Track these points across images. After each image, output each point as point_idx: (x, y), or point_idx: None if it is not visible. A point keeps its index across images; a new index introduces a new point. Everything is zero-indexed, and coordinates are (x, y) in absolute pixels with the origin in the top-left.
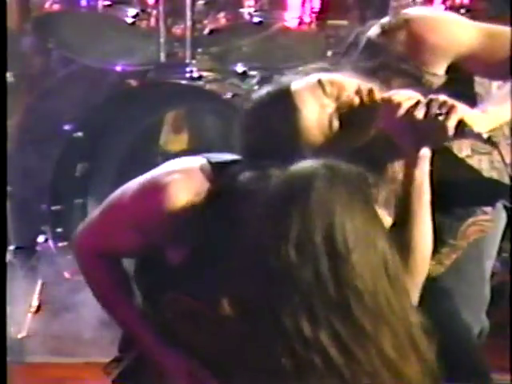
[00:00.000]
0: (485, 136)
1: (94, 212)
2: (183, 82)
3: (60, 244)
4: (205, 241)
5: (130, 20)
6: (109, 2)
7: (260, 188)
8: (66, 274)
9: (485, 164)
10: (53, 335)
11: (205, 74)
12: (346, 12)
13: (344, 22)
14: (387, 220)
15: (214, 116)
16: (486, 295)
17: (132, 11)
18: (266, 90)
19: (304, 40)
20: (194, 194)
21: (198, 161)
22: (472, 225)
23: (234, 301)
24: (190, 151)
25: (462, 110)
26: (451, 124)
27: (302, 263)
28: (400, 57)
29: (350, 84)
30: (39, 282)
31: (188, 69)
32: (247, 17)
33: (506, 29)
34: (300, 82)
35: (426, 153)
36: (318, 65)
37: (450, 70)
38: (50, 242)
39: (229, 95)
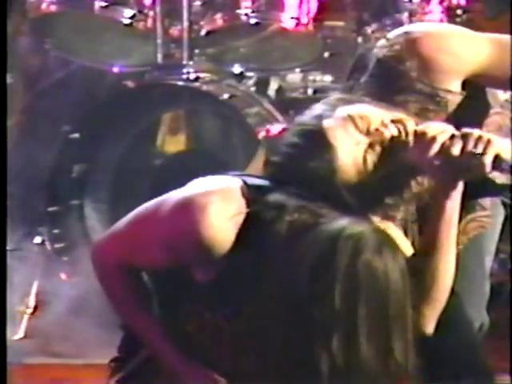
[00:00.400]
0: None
1: (120, 222)
2: (180, 83)
3: (56, 245)
4: (234, 264)
5: (126, 21)
6: (105, 3)
7: (306, 228)
8: (63, 276)
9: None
10: (50, 336)
11: (202, 75)
12: (343, 13)
13: (341, 23)
14: (404, 241)
15: (211, 117)
16: (486, 291)
17: (129, 12)
18: (295, 131)
19: (301, 41)
20: (231, 217)
21: (236, 182)
22: (471, 221)
23: (256, 322)
24: (188, 152)
25: (498, 144)
26: (488, 160)
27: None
28: (412, 77)
29: (378, 116)
30: (35, 284)
31: (185, 70)
32: (244, 18)
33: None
34: (331, 120)
35: (459, 186)
36: (340, 95)
37: (463, 85)
38: (47, 244)
39: (226, 96)
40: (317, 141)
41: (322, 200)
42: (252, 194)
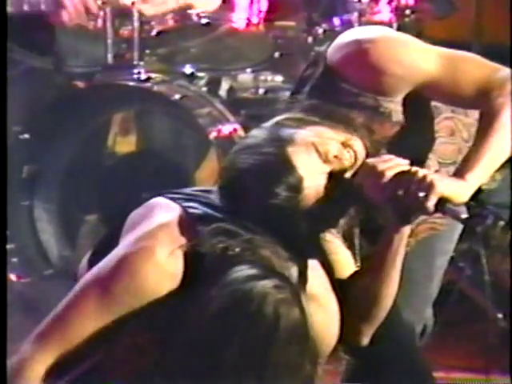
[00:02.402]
0: (463, 217)
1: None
2: (131, 83)
3: (7, 246)
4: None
5: None
6: None
7: (229, 267)
8: (13, 277)
9: None
10: None
11: (153, 75)
12: (294, 13)
13: (291, 23)
14: (343, 251)
15: (162, 117)
16: (431, 293)
17: None
18: (254, 150)
19: (252, 41)
20: (172, 253)
21: (176, 212)
22: (423, 223)
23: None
24: (139, 153)
25: (441, 187)
26: (430, 204)
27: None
28: (358, 88)
29: (335, 142)
30: None
31: (136, 70)
32: (195, 18)
33: (469, 55)
34: (295, 147)
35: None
36: (294, 115)
37: (407, 96)
38: None
39: (177, 96)
40: (282, 167)
41: (269, 232)
42: (193, 225)
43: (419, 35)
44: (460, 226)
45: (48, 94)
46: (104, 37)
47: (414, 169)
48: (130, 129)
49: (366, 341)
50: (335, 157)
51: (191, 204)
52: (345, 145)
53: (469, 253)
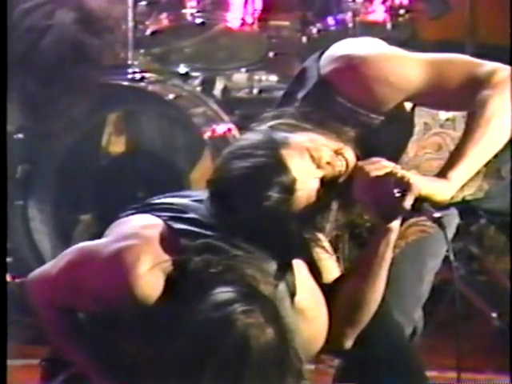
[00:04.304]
0: (436, 216)
1: (53, 264)
2: (125, 83)
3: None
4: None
5: None
6: None
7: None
8: (8, 277)
9: None
10: None
11: (147, 75)
12: (288, 13)
13: (286, 23)
14: (330, 256)
15: (156, 117)
16: (420, 295)
17: None
18: (246, 153)
19: (246, 41)
20: (159, 266)
21: (163, 228)
22: (413, 225)
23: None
24: (133, 153)
25: (418, 186)
26: (407, 203)
27: None
28: (351, 103)
29: (327, 148)
30: None
31: (130, 70)
32: (189, 18)
33: (453, 56)
34: (289, 150)
35: (394, 225)
36: (287, 120)
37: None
38: None
39: (171, 96)
40: (276, 168)
41: (257, 245)
42: (177, 240)
43: (413, 35)
44: (452, 230)
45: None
46: None
47: (395, 169)
48: (124, 128)
49: (349, 344)
50: (328, 163)
51: (177, 216)
52: (337, 153)
53: (463, 252)
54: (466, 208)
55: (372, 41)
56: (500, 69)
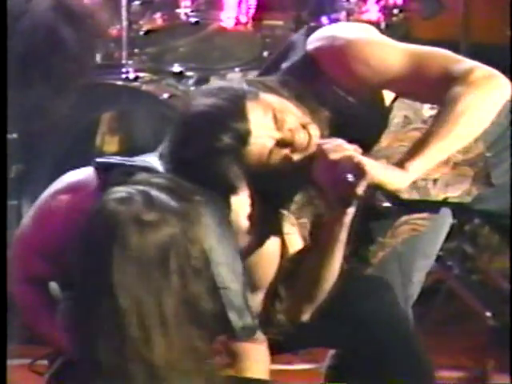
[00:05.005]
0: (384, 205)
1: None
2: (119, 82)
3: None
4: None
5: None
6: None
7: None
8: None
9: None
10: None
11: (141, 74)
12: (282, 12)
13: (280, 23)
14: (295, 232)
15: (150, 117)
16: (410, 295)
17: None
18: (214, 94)
19: (240, 40)
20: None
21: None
22: (404, 223)
23: None
24: (127, 152)
25: (372, 173)
26: (359, 189)
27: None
28: (333, 83)
29: (294, 117)
30: None
31: (124, 69)
32: (184, 17)
33: (435, 50)
34: (254, 103)
35: (350, 210)
36: (262, 79)
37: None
38: None
39: (166, 96)
40: (235, 114)
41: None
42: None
43: (407, 35)
44: (445, 229)
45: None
46: None
47: (352, 154)
48: (118, 128)
49: (305, 317)
50: (290, 130)
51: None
52: (303, 126)
53: (457, 252)
54: (458, 209)
55: (363, 26)
56: (478, 68)
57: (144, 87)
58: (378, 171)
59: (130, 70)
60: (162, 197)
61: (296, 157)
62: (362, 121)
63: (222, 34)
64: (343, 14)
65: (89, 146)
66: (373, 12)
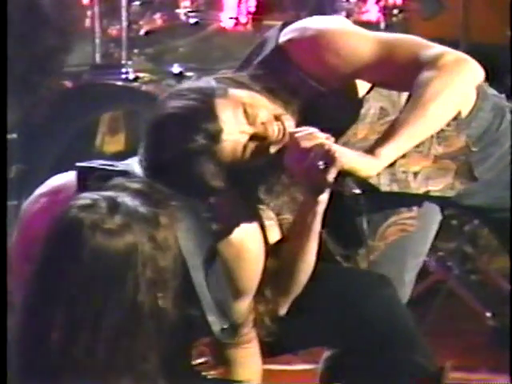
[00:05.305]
0: (355, 192)
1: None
2: (119, 83)
3: None
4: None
5: None
6: None
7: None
8: None
9: (384, 178)
10: None
11: (141, 75)
12: (282, 13)
13: (280, 23)
14: (272, 223)
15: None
16: (402, 296)
17: None
18: (183, 95)
19: (240, 40)
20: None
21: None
22: (392, 225)
23: None
24: (126, 152)
25: (342, 160)
26: (329, 176)
27: None
28: (304, 74)
29: (266, 110)
30: None
31: (124, 70)
32: (183, 17)
33: (406, 37)
34: (223, 100)
35: (322, 197)
36: (232, 75)
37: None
38: None
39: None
40: (205, 114)
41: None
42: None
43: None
44: (434, 226)
45: (36, 93)
46: (92, 36)
47: (323, 141)
48: (118, 128)
49: (282, 311)
50: (263, 123)
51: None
52: (276, 118)
53: (457, 252)
54: (445, 204)
55: (335, 18)
56: (448, 52)
57: (144, 87)
58: (349, 158)
59: (130, 70)
60: (130, 203)
61: (273, 149)
62: (334, 110)
63: (222, 35)
64: (343, 15)
65: (89, 146)
66: (373, 12)
